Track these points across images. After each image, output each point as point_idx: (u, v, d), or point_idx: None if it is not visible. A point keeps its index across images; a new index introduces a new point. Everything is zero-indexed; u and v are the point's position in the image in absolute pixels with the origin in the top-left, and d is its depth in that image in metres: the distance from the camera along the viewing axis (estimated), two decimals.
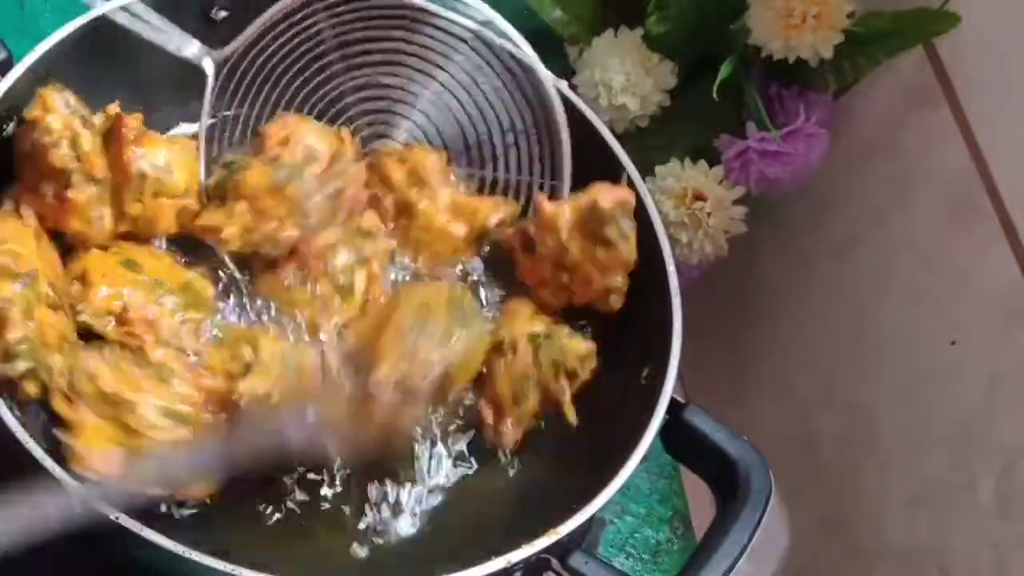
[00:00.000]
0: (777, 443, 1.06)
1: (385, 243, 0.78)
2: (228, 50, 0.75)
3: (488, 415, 0.74)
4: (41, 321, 0.65)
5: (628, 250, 0.76)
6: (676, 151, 1.02)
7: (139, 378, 0.66)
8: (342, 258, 0.75)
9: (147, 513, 0.63)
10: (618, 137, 0.81)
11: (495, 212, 0.79)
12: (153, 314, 0.69)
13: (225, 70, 0.75)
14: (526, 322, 0.76)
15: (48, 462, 0.60)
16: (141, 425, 0.64)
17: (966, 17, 0.92)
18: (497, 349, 0.74)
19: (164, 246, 0.75)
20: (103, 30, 0.72)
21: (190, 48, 0.74)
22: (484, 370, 0.74)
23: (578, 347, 0.74)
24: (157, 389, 0.66)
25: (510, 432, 0.74)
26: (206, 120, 0.74)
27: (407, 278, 0.79)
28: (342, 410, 0.69)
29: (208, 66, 0.74)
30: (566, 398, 0.73)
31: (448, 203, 0.79)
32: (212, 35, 0.75)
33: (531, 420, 0.75)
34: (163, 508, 0.68)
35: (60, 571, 0.72)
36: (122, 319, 0.69)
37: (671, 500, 0.92)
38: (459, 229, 0.79)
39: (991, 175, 0.91)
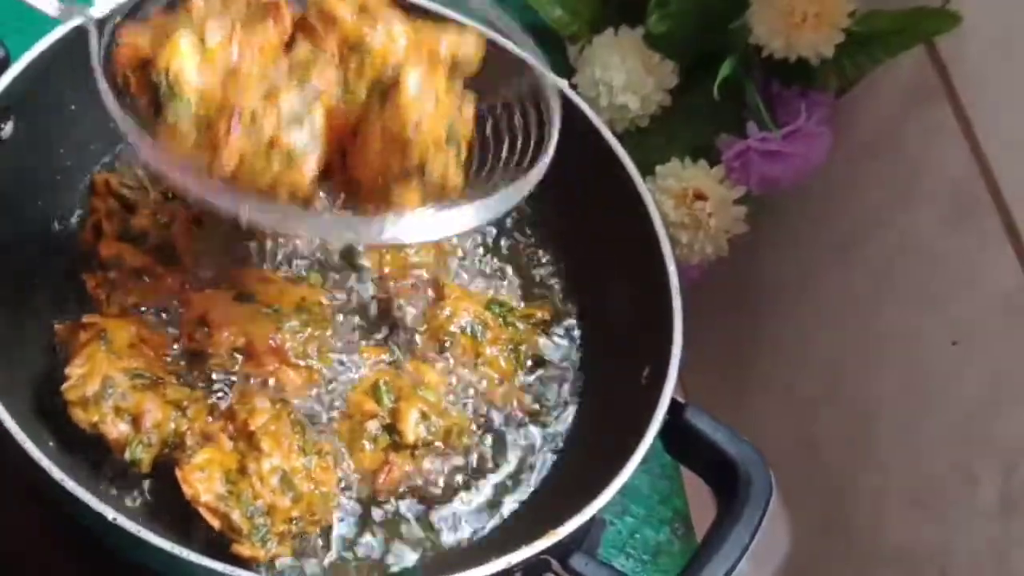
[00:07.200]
0: (778, 443, 1.06)
1: (329, 68, 0.65)
2: None
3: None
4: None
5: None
6: (677, 150, 1.02)
7: (286, 436, 0.66)
8: (287, 103, 0.62)
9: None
10: (618, 136, 0.80)
11: (463, 42, 0.67)
12: (277, 342, 0.70)
13: None
14: (467, 300, 0.77)
15: None
16: (254, 473, 0.65)
17: (967, 16, 0.93)
18: (470, 337, 0.76)
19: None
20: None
21: None
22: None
23: (511, 301, 0.79)
24: (291, 456, 0.66)
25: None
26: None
27: None
28: None
29: None
30: (545, 342, 0.79)
31: (403, 32, 0.65)
32: None
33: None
34: None
35: (62, 571, 0.72)
36: (249, 352, 0.70)
37: (671, 501, 0.92)
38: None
39: (992, 173, 0.91)
